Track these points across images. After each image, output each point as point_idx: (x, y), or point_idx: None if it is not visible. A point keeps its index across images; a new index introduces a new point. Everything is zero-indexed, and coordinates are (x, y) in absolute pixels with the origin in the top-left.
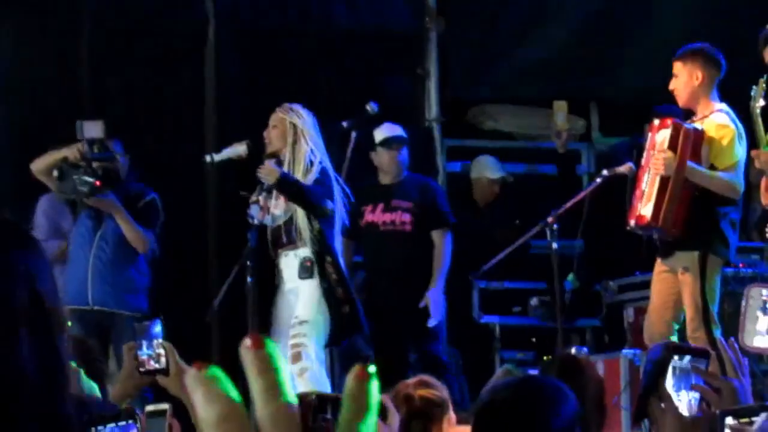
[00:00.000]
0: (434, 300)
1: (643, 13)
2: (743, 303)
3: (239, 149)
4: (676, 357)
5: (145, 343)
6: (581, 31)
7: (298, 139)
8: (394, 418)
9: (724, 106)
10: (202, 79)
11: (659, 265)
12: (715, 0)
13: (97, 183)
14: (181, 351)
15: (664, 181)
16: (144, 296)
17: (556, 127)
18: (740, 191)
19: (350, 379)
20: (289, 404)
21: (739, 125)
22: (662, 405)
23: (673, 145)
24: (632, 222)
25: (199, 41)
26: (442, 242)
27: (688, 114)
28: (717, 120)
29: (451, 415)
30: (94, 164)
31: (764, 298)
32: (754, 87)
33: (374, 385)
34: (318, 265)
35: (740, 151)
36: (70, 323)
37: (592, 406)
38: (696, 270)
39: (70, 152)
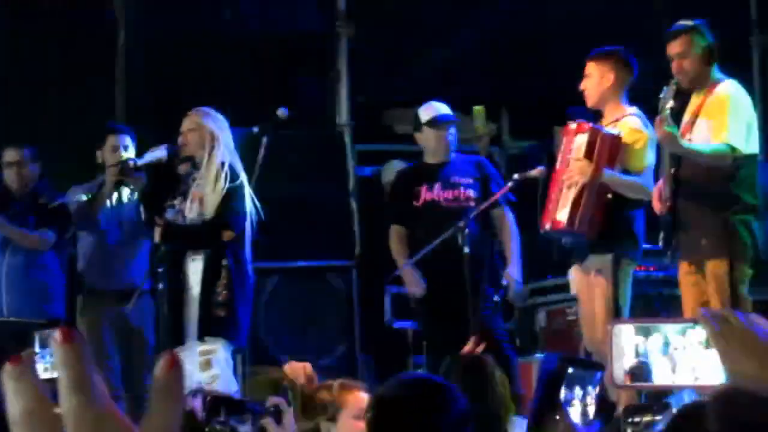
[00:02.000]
0: (517, 278)
1: (553, 16)
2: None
3: (160, 153)
4: (570, 369)
5: (45, 351)
6: (492, 34)
7: (216, 146)
8: (289, 418)
9: (635, 109)
10: (113, 83)
11: (576, 271)
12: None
13: None
14: None
15: (579, 189)
16: (59, 303)
17: (477, 132)
18: (650, 194)
19: (158, 368)
20: (94, 400)
21: (651, 130)
22: (557, 417)
23: (590, 151)
24: (547, 226)
25: (109, 45)
26: (507, 218)
27: (597, 115)
28: (630, 124)
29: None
30: None
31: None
32: (665, 87)
33: (181, 374)
34: (215, 268)
35: (651, 155)
36: None
37: (498, 402)
38: (608, 272)
39: None
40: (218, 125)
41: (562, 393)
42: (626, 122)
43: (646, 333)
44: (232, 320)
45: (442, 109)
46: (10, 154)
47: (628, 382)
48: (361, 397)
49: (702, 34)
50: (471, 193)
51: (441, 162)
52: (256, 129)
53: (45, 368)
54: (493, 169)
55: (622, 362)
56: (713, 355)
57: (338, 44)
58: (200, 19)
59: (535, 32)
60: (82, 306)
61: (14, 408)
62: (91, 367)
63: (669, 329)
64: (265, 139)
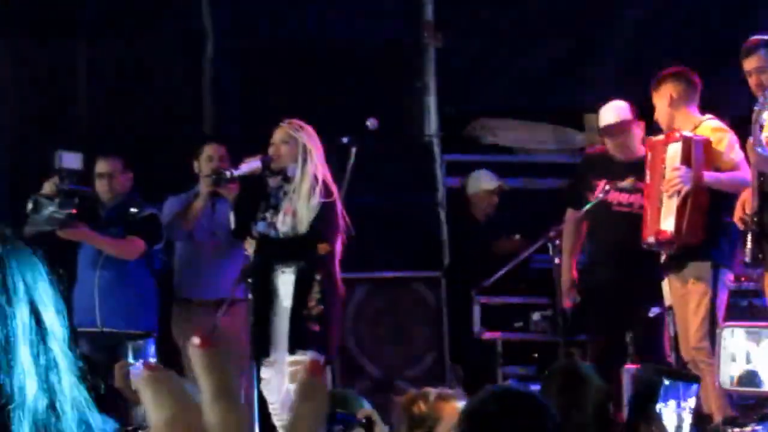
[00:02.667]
0: None
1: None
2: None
3: (255, 165)
4: (666, 381)
5: (138, 362)
6: (575, 44)
7: (307, 158)
8: (380, 430)
9: (711, 116)
10: (200, 94)
11: (672, 281)
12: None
13: (74, 211)
14: (177, 368)
15: (683, 195)
16: (152, 314)
17: (593, 140)
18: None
19: (303, 373)
20: (238, 405)
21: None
22: (652, 429)
23: (686, 158)
24: (650, 239)
25: (196, 55)
26: None
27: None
28: (711, 125)
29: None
30: (69, 196)
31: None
32: (756, 108)
33: (326, 381)
34: (307, 282)
35: (738, 150)
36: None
37: (593, 415)
38: (708, 280)
39: (48, 185)
40: (311, 138)
41: (658, 405)
42: (706, 125)
43: (757, 338)
44: (324, 334)
45: (605, 116)
46: (102, 165)
47: (736, 387)
48: (459, 408)
49: None
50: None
51: (627, 161)
52: (345, 140)
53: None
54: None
55: (730, 367)
56: None
57: (426, 54)
58: (287, 30)
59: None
60: (177, 316)
61: (157, 416)
62: (230, 375)
63: None
64: (354, 150)
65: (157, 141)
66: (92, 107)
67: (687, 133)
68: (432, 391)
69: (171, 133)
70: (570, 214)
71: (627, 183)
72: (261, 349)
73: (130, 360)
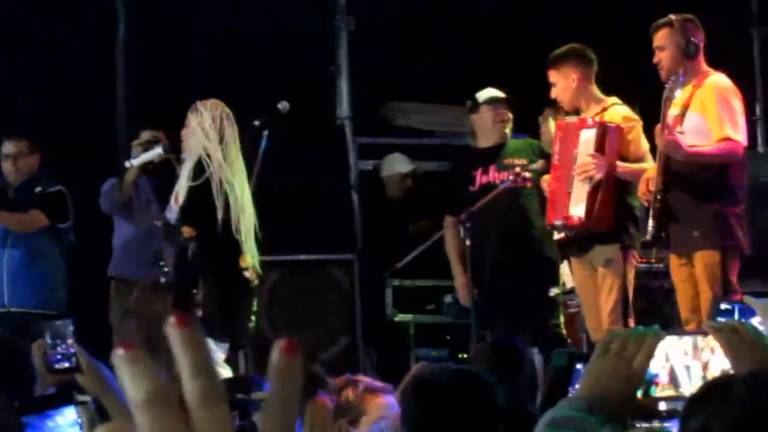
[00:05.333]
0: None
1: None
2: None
3: (156, 150)
4: (579, 366)
5: (56, 342)
6: (492, 27)
7: (191, 139)
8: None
9: (615, 98)
10: (114, 78)
11: (575, 264)
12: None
13: None
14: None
15: (594, 182)
16: (62, 292)
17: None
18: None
19: (275, 354)
20: (217, 380)
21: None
22: None
23: (600, 145)
24: (557, 222)
25: (110, 39)
26: None
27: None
28: (621, 112)
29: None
30: None
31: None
32: (665, 91)
33: (299, 358)
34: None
35: (645, 140)
36: None
37: (527, 385)
38: (618, 262)
39: None
40: (197, 116)
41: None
42: (616, 111)
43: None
44: (210, 318)
45: (499, 92)
46: (8, 147)
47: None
48: (385, 403)
49: (683, 29)
50: (527, 173)
51: (496, 144)
52: (257, 122)
53: (58, 359)
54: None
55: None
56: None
57: (338, 38)
58: (199, 13)
59: (531, 21)
60: (114, 295)
61: (136, 393)
62: (207, 352)
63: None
64: (266, 133)
65: (67, 125)
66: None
67: (602, 120)
68: (362, 381)
69: (84, 117)
70: (448, 220)
71: (538, 165)
72: None
73: (48, 340)
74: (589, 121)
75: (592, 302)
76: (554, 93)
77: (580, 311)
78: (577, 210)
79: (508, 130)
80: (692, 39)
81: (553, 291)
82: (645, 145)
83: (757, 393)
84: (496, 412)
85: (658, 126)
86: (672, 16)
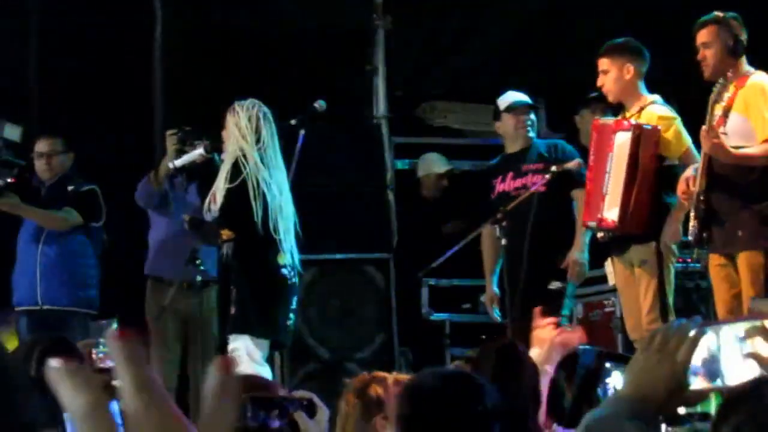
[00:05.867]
0: (576, 261)
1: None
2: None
3: (198, 151)
4: (608, 364)
5: (101, 342)
6: (526, 27)
7: (230, 140)
8: (324, 415)
9: (656, 96)
10: (151, 77)
11: (616, 263)
12: None
13: (12, 180)
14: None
15: (629, 184)
16: (94, 291)
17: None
18: None
19: (213, 371)
20: (156, 400)
21: (675, 112)
22: None
23: (635, 148)
24: (591, 223)
25: (146, 39)
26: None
27: (617, 107)
28: (657, 112)
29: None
30: (7, 167)
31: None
32: (713, 92)
33: (235, 374)
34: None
35: (686, 134)
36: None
37: (528, 393)
38: (654, 262)
39: None
40: (236, 118)
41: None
42: (651, 111)
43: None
44: (241, 316)
45: (519, 96)
46: (41, 145)
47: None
48: None
49: (729, 26)
50: (537, 179)
51: (518, 150)
52: (293, 122)
53: (99, 357)
54: (570, 152)
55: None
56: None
57: (375, 37)
58: (239, 13)
59: (571, 21)
60: (150, 294)
61: (75, 404)
62: (149, 366)
63: None
64: (302, 132)
65: (105, 125)
66: (43, 84)
67: (636, 122)
68: (389, 376)
69: (120, 118)
70: (486, 229)
71: (573, 164)
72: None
73: (93, 340)
74: (625, 123)
75: (631, 301)
76: (602, 81)
77: (615, 310)
78: (612, 213)
79: (532, 134)
80: (739, 37)
81: (555, 284)
82: (687, 140)
83: None
84: (486, 412)
85: (704, 128)
86: (719, 13)
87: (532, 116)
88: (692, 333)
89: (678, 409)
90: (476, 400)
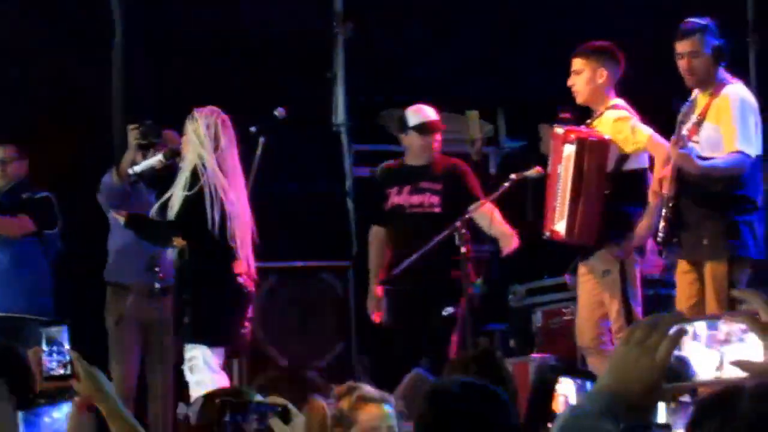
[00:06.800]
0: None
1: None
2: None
3: (157, 157)
4: (563, 378)
5: (51, 349)
6: (487, 36)
7: (189, 148)
8: (298, 421)
9: (619, 101)
10: (109, 84)
11: (581, 268)
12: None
13: None
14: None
15: (575, 197)
16: (48, 298)
17: (469, 136)
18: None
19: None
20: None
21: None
22: (549, 426)
23: (579, 162)
24: (547, 233)
25: (105, 44)
26: (491, 208)
27: (585, 112)
28: (610, 116)
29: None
30: None
31: None
32: (682, 107)
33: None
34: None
35: (643, 127)
36: None
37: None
38: (617, 270)
39: None
40: (193, 125)
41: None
42: (608, 116)
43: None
44: (194, 324)
45: (431, 114)
46: None
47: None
48: (377, 413)
49: (713, 34)
50: (435, 199)
51: (418, 165)
52: (254, 129)
53: (54, 366)
54: (469, 176)
55: None
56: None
57: (335, 44)
58: (198, 18)
59: (530, 29)
60: (109, 300)
61: None
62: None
63: None
64: (262, 139)
65: (63, 128)
66: None
67: (582, 134)
68: (359, 389)
69: (78, 120)
70: (375, 230)
71: (533, 172)
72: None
73: (44, 347)
74: (572, 136)
75: (584, 307)
76: (573, 81)
77: (574, 318)
78: (560, 226)
79: (435, 154)
80: (722, 44)
81: (447, 310)
82: (646, 131)
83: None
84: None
85: (673, 138)
86: (703, 21)
87: (439, 137)
88: (673, 330)
89: (653, 404)
90: (503, 417)
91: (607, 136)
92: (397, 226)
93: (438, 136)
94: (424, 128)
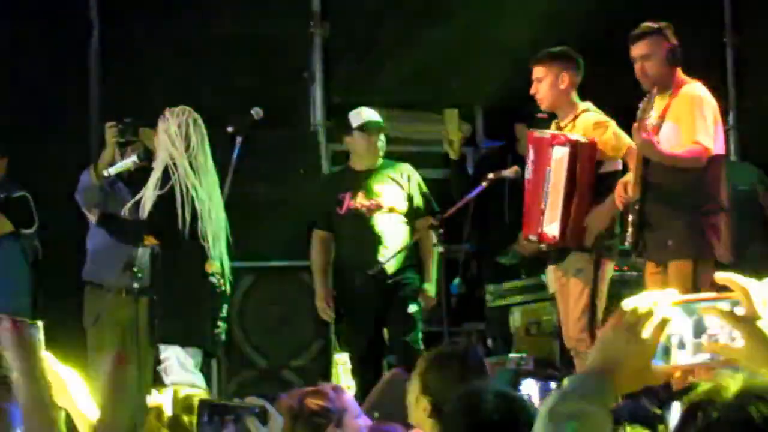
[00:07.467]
0: (429, 297)
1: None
2: None
3: (132, 158)
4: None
5: None
6: (464, 35)
7: (160, 147)
8: (276, 423)
9: (587, 104)
10: (86, 84)
11: (554, 271)
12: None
13: None
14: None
15: (568, 199)
16: (25, 297)
17: (448, 136)
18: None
19: (107, 363)
20: (47, 385)
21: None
22: None
23: (572, 164)
24: (532, 237)
25: (82, 46)
26: (429, 232)
27: (550, 116)
28: (590, 119)
29: (348, 421)
30: None
31: None
32: (645, 97)
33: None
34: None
35: (627, 136)
36: None
37: None
38: (590, 271)
39: None
40: (165, 125)
41: None
42: (586, 119)
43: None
44: (172, 326)
45: (373, 114)
46: None
47: None
48: (352, 397)
49: (666, 37)
50: (389, 201)
51: (368, 168)
52: (230, 129)
53: None
54: (419, 180)
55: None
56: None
57: (312, 44)
58: (175, 19)
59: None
60: (87, 300)
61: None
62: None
63: None
64: (239, 139)
65: (38, 129)
66: None
67: (574, 136)
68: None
69: (56, 122)
70: (318, 234)
71: (510, 171)
72: None
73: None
74: (562, 138)
75: (567, 309)
76: (536, 89)
77: (552, 318)
78: (551, 228)
79: (381, 155)
80: (676, 46)
81: (413, 308)
82: (627, 139)
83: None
84: None
85: (635, 125)
86: (655, 24)
87: (383, 137)
88: (663, 312)
89: (641, 386)
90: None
91: (593, 140)
92: (351, 227)
93: (382, 137)
94: (366, 127)
